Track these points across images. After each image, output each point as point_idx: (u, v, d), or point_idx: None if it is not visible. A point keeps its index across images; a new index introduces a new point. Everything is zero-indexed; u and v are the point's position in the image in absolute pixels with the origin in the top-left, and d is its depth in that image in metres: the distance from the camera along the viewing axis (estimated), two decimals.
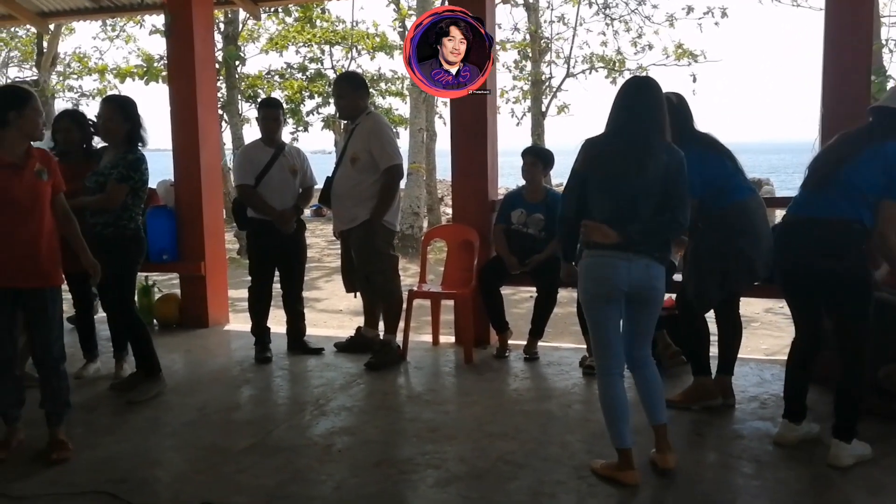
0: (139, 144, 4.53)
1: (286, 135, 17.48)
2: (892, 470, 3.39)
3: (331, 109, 18.89)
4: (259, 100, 6.43)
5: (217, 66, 8.89)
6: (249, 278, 5.55)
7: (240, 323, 6.89)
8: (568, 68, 17.16)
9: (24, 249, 3.61)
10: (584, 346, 5.24)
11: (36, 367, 3.81)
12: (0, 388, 3.73)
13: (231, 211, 5.80)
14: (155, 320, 6.45)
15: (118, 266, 4.47)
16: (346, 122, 5.31)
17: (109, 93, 16.98)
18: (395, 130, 18.58)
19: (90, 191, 4.49)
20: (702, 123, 4.10)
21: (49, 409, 3.76)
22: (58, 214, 3.78)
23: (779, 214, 7.02)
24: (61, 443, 3.74)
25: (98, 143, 5.00)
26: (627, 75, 16.34)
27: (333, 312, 8.26)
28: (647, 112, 3.27)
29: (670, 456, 3.35)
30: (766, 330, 6.84)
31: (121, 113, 4.49)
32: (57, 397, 3.76)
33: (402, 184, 5.35)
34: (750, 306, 7.37)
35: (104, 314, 4.90)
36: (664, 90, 3.43)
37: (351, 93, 5.16)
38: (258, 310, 5.51)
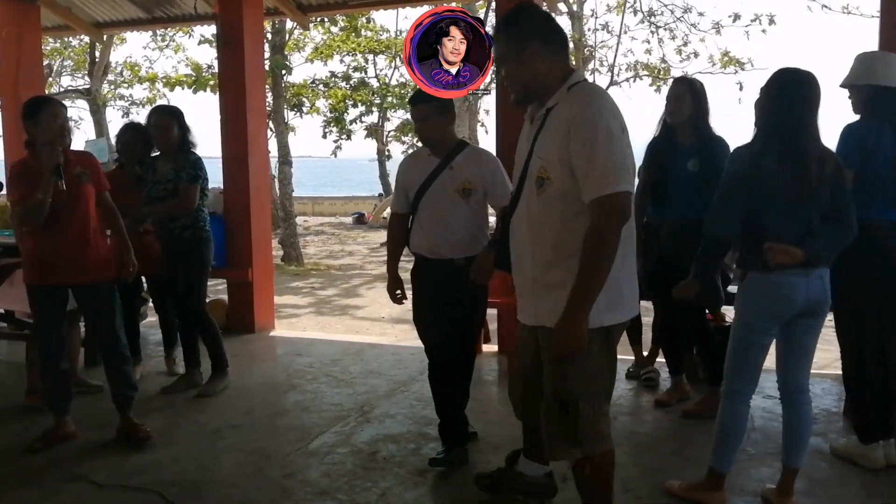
0: (192, 149, 4.74)
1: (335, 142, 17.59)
2: None
3: (374, 118, 19.03)
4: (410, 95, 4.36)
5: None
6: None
7: (285, 329, 6.99)
8: (612, 76, 17.03)
9: (71, 249, 3.81)
10: (630, 358, 5.20)
11: (102, 357, 4.06)
12: (47, 379, 3.97)
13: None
14: None
15: (196, 266, 4.73)
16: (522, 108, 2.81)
17: (159, 101, 17.43)
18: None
19: (159, 199, 4.67)
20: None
21: (119, 393, 4.00)
22: (104, 213, 4.01)
23: None
24: (137, 426, 4.00)
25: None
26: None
27: (375, 320, 8.30)
28: (811, 113, 2.96)
29: (790, 501, 3.13)
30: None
31: (175, 121, 4.67)
32: (124, 381, 4.00)
33: None
34: None
35: (151, 318, 5.03)
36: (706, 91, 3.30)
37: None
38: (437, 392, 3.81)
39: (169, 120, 4.67)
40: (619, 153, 2.38)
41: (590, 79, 2.34)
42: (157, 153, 4.85)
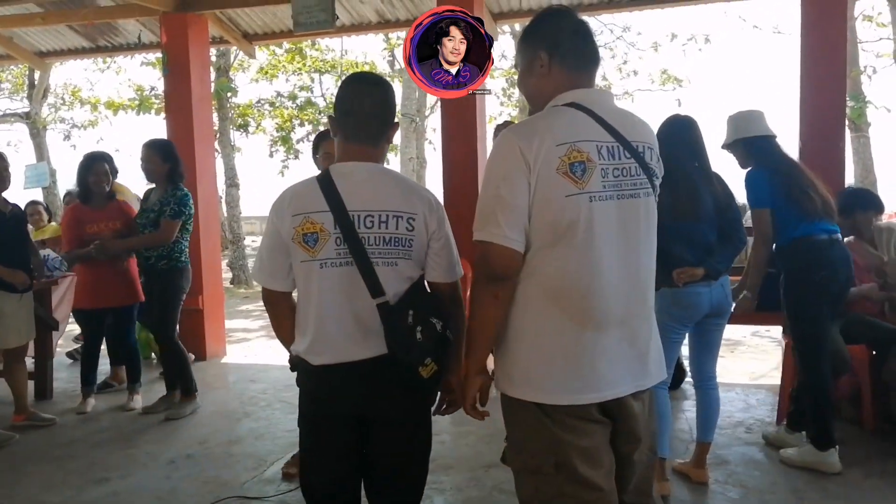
0: (180, 181, 4.96)
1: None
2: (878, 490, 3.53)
3: None
4: None
5: None
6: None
7: (236, 355, 7.00)
8: None
9: None
10: None
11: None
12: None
13: None
14: (153, 354, 6.53)
15: (168, 296, 4.91)
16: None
17: (101, 124, 17.26)
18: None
19: (142, 227, 4.92)
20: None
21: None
22: None
23: None
24: None
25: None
26: None
27: None
28: (699, 146, 3.49)
29: (706, 471, 3.64)
30: (752, 353, 6.95)
31: (160, 154, 4.89)
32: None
33: None
34: (737, 330, 7.50)
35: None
36: (651, 115, 3.59)
37: None
38: None
39: (152, 153, 4.89)
40: (491, 199, 1.96)
41: None
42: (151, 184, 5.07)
